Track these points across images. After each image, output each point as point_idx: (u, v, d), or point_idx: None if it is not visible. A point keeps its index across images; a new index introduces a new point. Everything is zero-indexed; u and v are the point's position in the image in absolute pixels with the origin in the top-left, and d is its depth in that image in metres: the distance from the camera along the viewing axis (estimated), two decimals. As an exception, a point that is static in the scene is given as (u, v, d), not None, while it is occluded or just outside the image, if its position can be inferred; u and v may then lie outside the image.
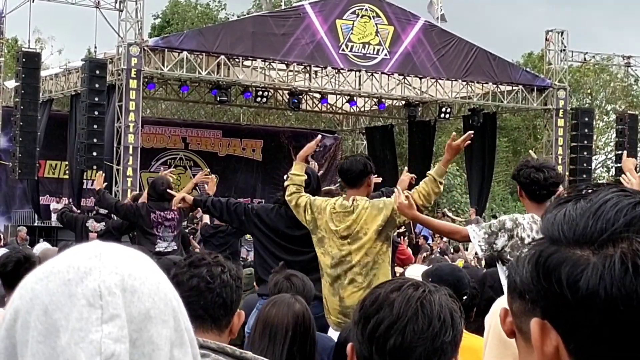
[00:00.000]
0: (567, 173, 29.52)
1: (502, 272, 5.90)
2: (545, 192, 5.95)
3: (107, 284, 1.16)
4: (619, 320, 1.14)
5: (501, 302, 4.07)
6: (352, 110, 34.31)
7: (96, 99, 24.67)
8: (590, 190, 1.24)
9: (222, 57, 26.88)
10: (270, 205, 8.00)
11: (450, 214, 31.47)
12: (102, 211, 12.78)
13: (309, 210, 6.95)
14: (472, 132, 6.95)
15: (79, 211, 17.03)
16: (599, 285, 1.14)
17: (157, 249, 10.81)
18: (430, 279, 5.09)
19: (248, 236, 14.24)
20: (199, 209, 12.39)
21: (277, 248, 7.51)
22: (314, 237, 6.94)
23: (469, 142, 6.66)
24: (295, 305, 4.31)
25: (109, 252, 1.21)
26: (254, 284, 8.27)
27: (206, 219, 12.97)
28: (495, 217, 30.82)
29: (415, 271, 6.29)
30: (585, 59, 34.41)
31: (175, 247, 11.27)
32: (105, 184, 12.97)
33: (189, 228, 13.87)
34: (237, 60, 27.63)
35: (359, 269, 6.66)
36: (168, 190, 10.85)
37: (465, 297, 5.12)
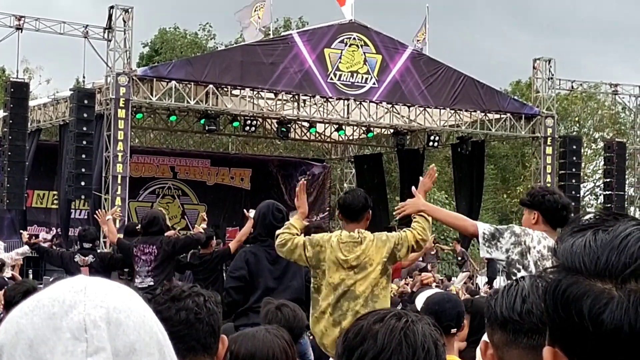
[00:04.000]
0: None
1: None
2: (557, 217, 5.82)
3: (92, 317, 1.16)
4: None
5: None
6: (340, 139, 34.33)
7: (84, 128, 24.66)
8: (605, 220, 1.24)
9: (211, 86, 26.89)
10: (237, 261, 8.13)
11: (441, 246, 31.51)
12: (86, 245, 12.72)
13: (308, 248, 6.98)
14: (434, 165, 7.22)
15: (57, 242, 16.86)
16: (624, 320, 1.14)
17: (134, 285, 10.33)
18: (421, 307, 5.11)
19: None
20: (213, 241, 12.61)
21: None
22: (317, 271, 6.99)
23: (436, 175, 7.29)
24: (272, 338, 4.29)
25: (94, 285, 1.21)
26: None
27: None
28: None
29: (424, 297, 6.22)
30: (572, 87, 34.53)
31: (152, 283, 10.51)
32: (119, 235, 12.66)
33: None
34: (225, 89, 27.65)
35: (362, 300, 6.81)
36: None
37: (453, 330, 5.05)
